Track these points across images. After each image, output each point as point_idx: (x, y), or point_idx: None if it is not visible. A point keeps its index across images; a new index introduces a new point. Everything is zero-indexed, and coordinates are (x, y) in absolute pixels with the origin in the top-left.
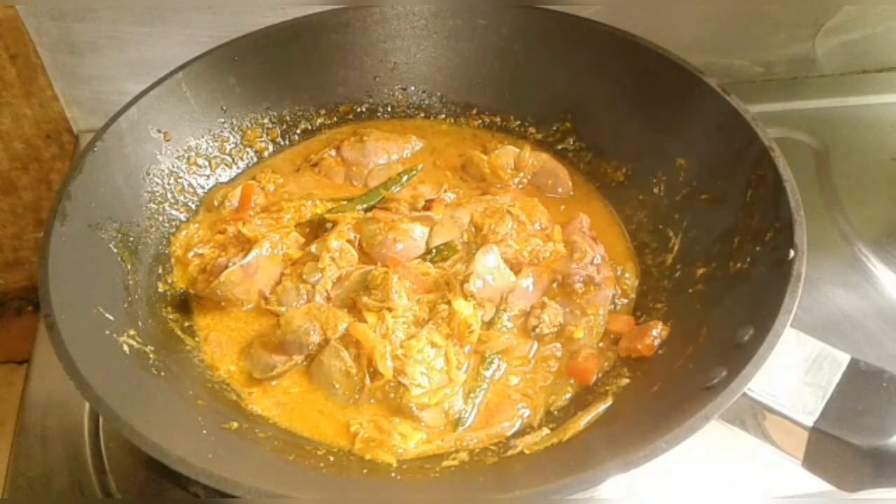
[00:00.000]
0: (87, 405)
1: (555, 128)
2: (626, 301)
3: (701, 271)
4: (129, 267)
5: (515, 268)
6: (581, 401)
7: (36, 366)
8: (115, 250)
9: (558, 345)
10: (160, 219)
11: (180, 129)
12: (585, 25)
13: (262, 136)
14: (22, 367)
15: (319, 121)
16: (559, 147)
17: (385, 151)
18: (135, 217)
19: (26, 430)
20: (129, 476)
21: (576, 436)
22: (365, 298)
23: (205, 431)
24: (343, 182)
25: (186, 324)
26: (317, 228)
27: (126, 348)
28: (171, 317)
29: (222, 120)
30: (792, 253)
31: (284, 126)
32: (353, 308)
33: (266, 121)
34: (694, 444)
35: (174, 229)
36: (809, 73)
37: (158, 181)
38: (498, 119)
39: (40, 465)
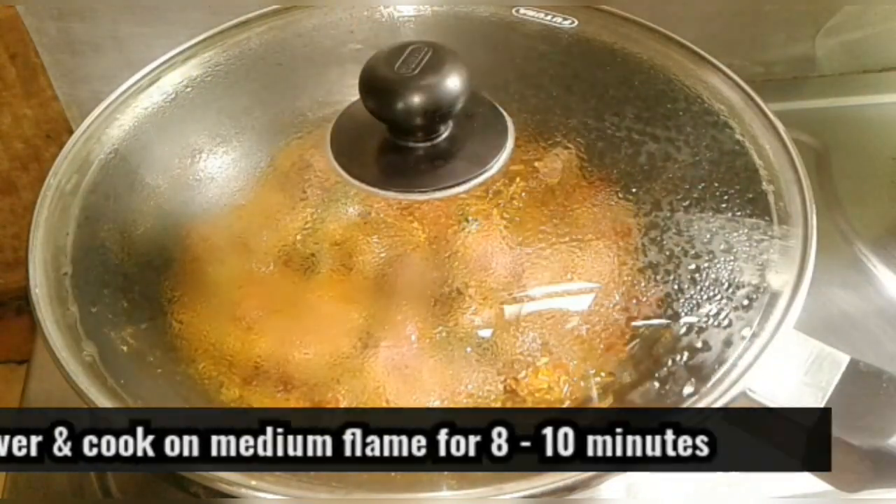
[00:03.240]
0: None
1: None
2: None
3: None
4: (130, 267)
5: None
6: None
7: (36, 366)
8: (115, 249)
9: None
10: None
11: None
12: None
13: None
14: (22, 366)
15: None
16: None
17: None
18: (135, 217)
19: None
20: (128, 476)
21: None
22: None
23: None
24: None
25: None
26: None
27: (125, 348)
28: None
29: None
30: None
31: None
32: None
33: None
34: None
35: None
36: (809, 73)
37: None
38: None
39: None
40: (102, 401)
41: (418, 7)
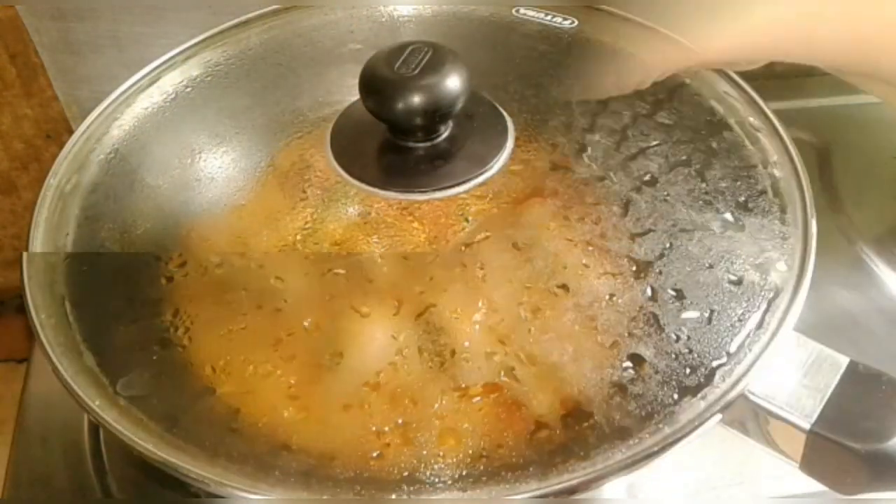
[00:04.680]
0: None
1: None
2: None
3: None
4: (130, 267)
5: None
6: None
7: (36, 365)
8: (115, 249)
9: None
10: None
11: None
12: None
13: None
14: (22, 365)
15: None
16: None
17: None
18: (135, 217)
19: (26, 430)
20: (129, 476)
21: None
22: None
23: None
24: None
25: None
26: None
27: (125, 349)
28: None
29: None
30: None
31: None
32: None
33: None
34: (693, 446)
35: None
36: (811, 72)
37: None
38: None
39: (40, 465)
40: (100, 404)
41: (418, 7)
